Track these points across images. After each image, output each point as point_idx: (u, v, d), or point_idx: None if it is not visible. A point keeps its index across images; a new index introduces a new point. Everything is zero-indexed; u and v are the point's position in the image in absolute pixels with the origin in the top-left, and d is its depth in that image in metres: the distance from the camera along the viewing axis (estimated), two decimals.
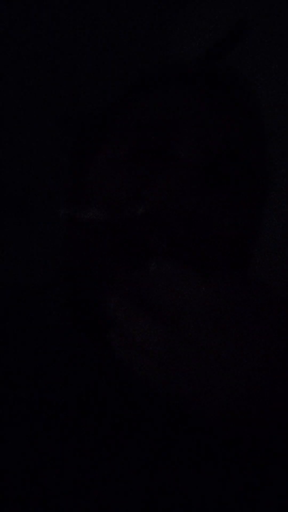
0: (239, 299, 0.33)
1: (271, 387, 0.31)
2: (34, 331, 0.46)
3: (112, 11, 1.55)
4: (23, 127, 1.71)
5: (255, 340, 0.32)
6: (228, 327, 0.32)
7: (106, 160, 0.46)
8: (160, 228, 0.41)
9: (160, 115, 0.45)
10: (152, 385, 0.34)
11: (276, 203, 0.56)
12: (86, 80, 1.66)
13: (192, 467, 0.39)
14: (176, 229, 0.41)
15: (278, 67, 1.30)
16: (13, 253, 1.48)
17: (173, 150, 0.44)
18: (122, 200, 0.43)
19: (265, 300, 0.33)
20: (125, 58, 1.58)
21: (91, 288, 0.43)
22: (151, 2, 1.54)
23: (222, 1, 1.45)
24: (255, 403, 0.31)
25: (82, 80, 1.65)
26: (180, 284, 0.33)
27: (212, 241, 0.43)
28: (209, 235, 0.43)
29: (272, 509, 0.37)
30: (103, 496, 0.37)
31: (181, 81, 0.47)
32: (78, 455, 0.39)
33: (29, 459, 0.38)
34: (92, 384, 0.42)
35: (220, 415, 0.32)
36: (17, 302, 0.50)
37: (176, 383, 0.33)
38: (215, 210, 0.43)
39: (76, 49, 1.59)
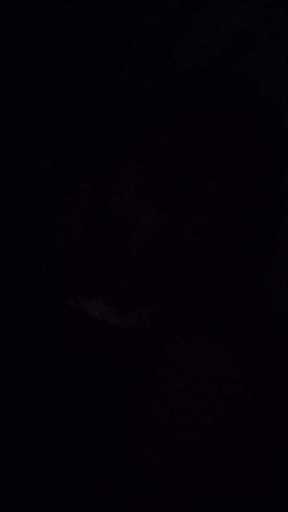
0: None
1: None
2: (38, 340, 0.45)
3: (119, 23, 1.56)
4: (28, 136, 1.72)
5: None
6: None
7: (126, 197, 0.44)
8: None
9: (187, 145, 0.43)
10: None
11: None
12: (91, 89, 1.67)
13: None
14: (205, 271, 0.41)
15: (283, 79, 1.30)
16: (17, 262, 1.48)
17: (201, 188, 0.43)
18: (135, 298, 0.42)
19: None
20: (132, 69, 1.59)
21: None
22: (157, 15, 1.55)
23: (228, 13, 1.46)
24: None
25: (88, 88, 1.66)
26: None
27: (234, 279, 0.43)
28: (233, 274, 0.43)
29: None
30: None
31: (205, 104, 0.45)
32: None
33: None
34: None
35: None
36: (21, 311, 0.50)
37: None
38: (240, 248, 0.43)
39: (84, 59, 1.60)
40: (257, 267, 0.45)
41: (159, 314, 0.39)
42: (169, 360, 0.36)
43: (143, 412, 0.36)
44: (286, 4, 1.31)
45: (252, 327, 0.37)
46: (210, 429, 0.33)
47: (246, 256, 0.44)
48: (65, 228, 0.51)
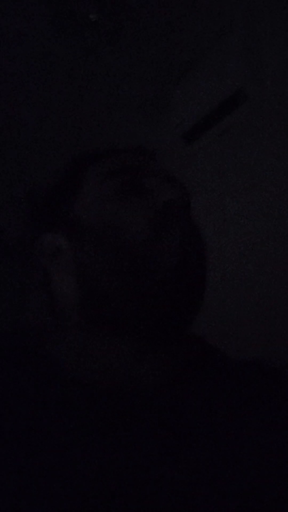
0: None
1: None
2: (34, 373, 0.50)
3: (117, 79, 1.63)
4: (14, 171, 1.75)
5: None
6: None
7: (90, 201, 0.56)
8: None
9: (127, 160, 0.57)
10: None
11: None
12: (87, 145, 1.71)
13: None
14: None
15: (274, 133, 1.37)
16: (11, 296, 1.50)
17: (144, 174, 0.56)
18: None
19: None
20: (128, 125, 1.65)
21: None
22: (153, 72, 1.63)
23: (222, 71, 1.54)
24: None
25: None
26: None
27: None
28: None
29: None
30: None
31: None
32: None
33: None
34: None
35: None
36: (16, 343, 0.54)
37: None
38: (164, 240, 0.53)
39: (80, 116, 1.66)
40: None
41: None
42: None
43: None
44: (277, 63, 1.39)
45: None
46: None
47: (166, 247, 0.52)
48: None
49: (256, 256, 1.34)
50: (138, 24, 1.42)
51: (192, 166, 1.54)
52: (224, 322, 1.35)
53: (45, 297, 0.54)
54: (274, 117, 1.38)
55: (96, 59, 1.49)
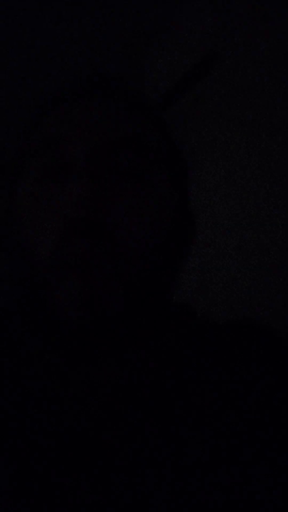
0: None
1: None
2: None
3: (88, 36, 1.60)
4: None
5: None
6: None
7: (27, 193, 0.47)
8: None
9: (55, 129, 0.46)
10: None
11: None
12: None
13: None
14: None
15: (246, 96, 1.37)
16: None
17: (69, 157, 0.45)
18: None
19: None
20: None
21: None
22: (126, 32, 1.60)
23: (195, 32, 1.52)
24: None
25: None
26: None
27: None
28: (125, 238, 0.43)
29: None
30: None
31: (73, 97, 0.49)
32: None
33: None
34: None
35: None
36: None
37: None
38: (120, 206, 0.44)
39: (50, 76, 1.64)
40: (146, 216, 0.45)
41: None
42: None
43: None
44: (249, 24, 1.37)
45: None
46: None
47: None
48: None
49: (237, 232, 1.36)
50: None
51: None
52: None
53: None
54: (247, 76, 1.37)
55: (64, 24, 1.46)
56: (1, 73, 1.68)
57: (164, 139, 0.50)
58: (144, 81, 1.67)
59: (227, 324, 0.51)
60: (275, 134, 1.27)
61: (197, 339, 0.49)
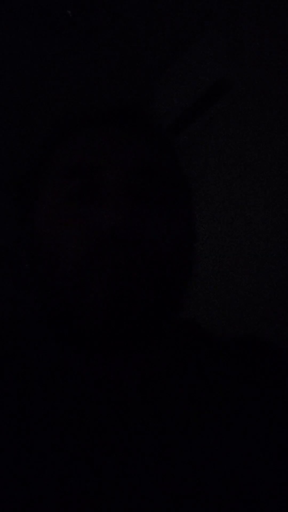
0: None
1: None
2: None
3: (101, 66, 1.62)
4: None
5: None
6: None
7: (47, 208, 0.52)
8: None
9: (85, 156, 0.52)
10: None
11: None
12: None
13: None
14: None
15: (257, 123, 1.37)
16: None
17: (101, 179, 0.51)
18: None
19: None
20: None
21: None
22: (136, 63, 1.61)
23: (204, 62, 1.53)
24: None
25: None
26: None
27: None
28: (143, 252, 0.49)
29: None
30: None
31: (98, 123, 0.55)
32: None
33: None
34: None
35: None
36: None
37: None
38: (147, 223, 0.50)
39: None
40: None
41: None
42: None
43: None
44: (261, 53, 1.38)
45: None
46: None
47: (153, 224, 0.50)
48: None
49: (249, 249, 1.35)
50: (116, 18, 1.40)
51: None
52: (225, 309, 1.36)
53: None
54: (258, 104, 1.37)
55: (75, 56, 1.48)
56: (19, 99, 1.69)
57: (175, 164, 0.57)
58: (155, 108, 1.67)
59: (230, 337, 0.56)
60: (286, 163, 1.27)
61: (201, 348, 0.54)
